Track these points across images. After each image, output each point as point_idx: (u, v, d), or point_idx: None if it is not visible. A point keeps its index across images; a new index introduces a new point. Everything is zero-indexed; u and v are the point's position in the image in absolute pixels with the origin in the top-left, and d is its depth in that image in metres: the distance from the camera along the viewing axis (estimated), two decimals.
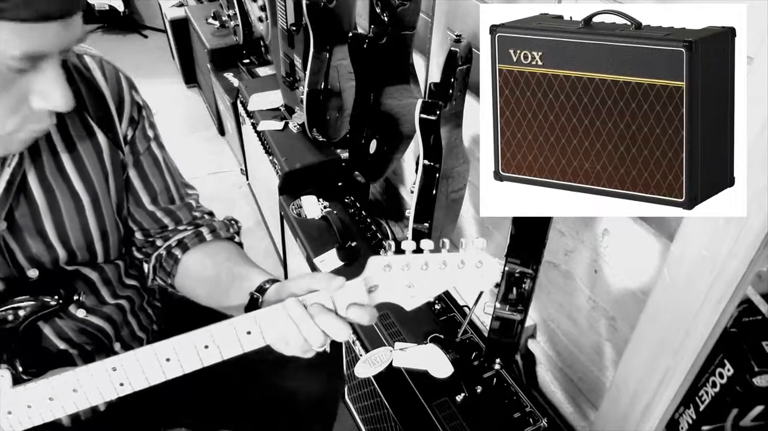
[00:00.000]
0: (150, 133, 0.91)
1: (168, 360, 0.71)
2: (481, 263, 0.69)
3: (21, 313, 0.77)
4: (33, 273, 0.81)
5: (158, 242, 0.96)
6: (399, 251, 0.70)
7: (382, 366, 1.18)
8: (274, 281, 0.84)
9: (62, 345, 0.87)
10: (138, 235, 0.95)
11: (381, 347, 1.29)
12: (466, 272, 0.70)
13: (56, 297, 0.79)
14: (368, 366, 1.19)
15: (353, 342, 1.42)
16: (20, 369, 0.78)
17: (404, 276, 0.70)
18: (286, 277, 2.08)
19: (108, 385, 0.72)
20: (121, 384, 0.72)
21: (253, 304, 0.82)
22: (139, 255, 0.97)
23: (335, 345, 1.62)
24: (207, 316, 0.87)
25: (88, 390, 0.72)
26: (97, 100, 0.82)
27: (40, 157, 0.78)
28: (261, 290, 0.82)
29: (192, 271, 0.94)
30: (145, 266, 0.98)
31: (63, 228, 0.82)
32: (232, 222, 1.01)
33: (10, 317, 0.77)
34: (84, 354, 0.91)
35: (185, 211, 0.97)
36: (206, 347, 0.71)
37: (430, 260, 0.69)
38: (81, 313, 0.88)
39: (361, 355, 1.35)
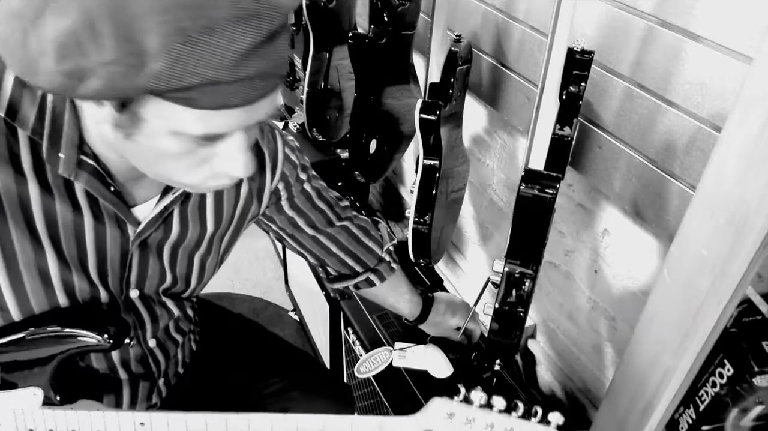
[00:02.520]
0: (303, 176, 0.97)
1: None
2: None
3: (61, 348, 0.76)
4: (134, 294, 0.83)
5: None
6: (467, 399, 0.64)
7: (382, 366, 1.18)
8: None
9: (119, 366, 0.88)
10: (310, 259, 1.10)
11: (381, 347, 1.29)
12: None
13: (106, 337, 0.77)
14: (368, 366, 1.19)
15: (353, 342, 1.42)
16: (53, 391, 0.77)
17: (464, 430, 0.65)
18: (285, 277, 2.08)
19: None
20: None
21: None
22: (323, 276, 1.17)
23: (335, 348, 1.62)
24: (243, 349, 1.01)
25: None
26: (257, 156, 0.86)
27: (189, 195, 0.82)
28: None
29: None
30: (328, 285, 1.17)
31: (176, 254, 0.85)
32: (389, 249, 1.17)
33: (47, 353, 0.75)
34: (132, 379, 0.91)
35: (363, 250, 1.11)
36: None
37: (498, 423, 0.63)
38: (152, 343, 0.91)
39: (361, 355, 1.35)
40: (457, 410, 0.64)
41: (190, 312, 0.98)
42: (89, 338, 0.75)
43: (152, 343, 0.90)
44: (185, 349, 1.02)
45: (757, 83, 0.64)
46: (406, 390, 1.21)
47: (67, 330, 0.75)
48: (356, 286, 1.14)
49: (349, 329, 1.44)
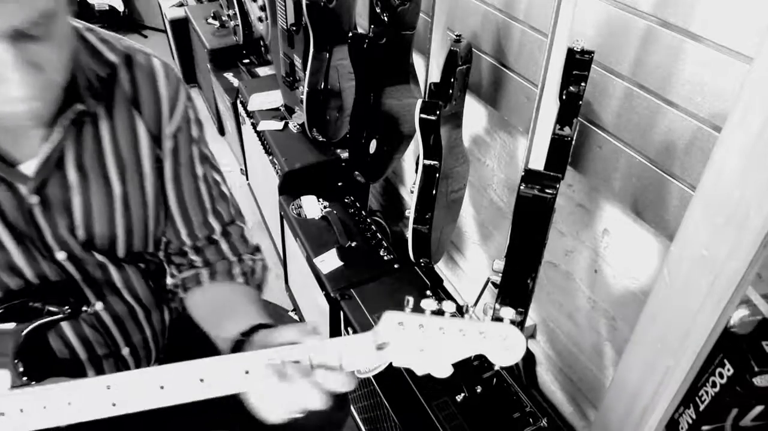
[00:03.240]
0: (195, 151, 0.93)
1: (162, 387, 0.69)
2: (505, 336, 0.63)
3: (24, 322, 0.77)
4: (61, 256, 0.83)
5: (177, 270, 0.98)
6: (417, 308, 0.64)
7: (382, 366, 1.18)
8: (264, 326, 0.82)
9: (76, 343, 0.88)
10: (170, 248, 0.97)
11: None
12: (488, 344, 0.63)
13: (66, 308, 0.79)
14: (369, 365, 1.19)
15: None
16: (21, 370, 0.77)
17: (418, 338, 0.64)
18: (286, 277, 2.08)
19: (101, 403, 0.70)
20: (114, 404, 0.70)
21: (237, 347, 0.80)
22: (167, 266, 1.00)
23: None
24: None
25: (82, 405, 0.71)
26: (153, 98, 0.85)
27: (81, 139, 0.80)
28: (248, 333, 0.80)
29: (191, 310, 0.95)
30: (169, 280, 1.00)
31: (89, 213, 0.83)
32: (251, 265, 1.00)
33: (12, 326, 0.77)
34: (94, 359, 0.91)
35: (211, 248, 0.98)
36: (201, 380, 0.68)
37: (448, 326, 0.63)
38: (99, 306, 0.89)
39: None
40: (406, 319, 0.64)
41: (139, 276, 0.94)
42: (51, 309, 0.77)
43: (99, 306, 0.89)
44: (153, 319, 0.99)
45: (757, 83, 0.64)
46: (406, 390, 1.21)
47: (20, 301, 0.77)
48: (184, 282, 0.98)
49: (349, 329, 1.44)
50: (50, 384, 0.72)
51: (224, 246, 0.99)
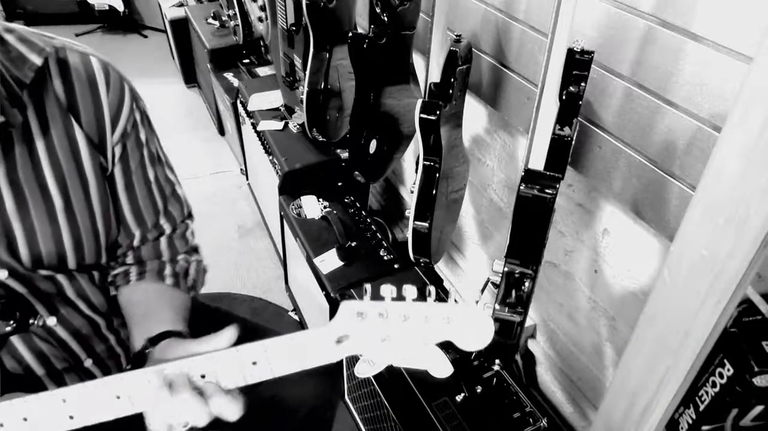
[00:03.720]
0: (146, 153, 0.88)
1: (118, 397, 0.66)
2: (472, 320, 0.59)
3: None
4: (2, 274, 0.77)
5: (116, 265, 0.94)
6: (377, 296, 0.60)
7: (382, 366, 1.18)
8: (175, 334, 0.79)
9: (30, 358, 0.83)
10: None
11: None
12: (454, 329, 0.60)
13: (12, 323, 0.75)
14: (368, 365, 1.18)
15: None
16: None
17: (379, 327, 0.60)
18: (286, 277, 2.08)
19: (59, 417, 0.67)
20: (71, 417, 0.67)
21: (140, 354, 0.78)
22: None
23: None
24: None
25: (38, 421, 0.67)
26: (93, 104, 0.79)
27: (13, 152, 0.73)
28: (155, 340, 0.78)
29: (121, 307, 0.92)
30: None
31: (32, 230, 0.77)
32: (185, 266, 0.96)
33: None
34: (53, 373, 0.87)
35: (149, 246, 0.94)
36: (118, 397, 0.65)
37: (411, 312, 0.59)
38: (51, 321, 0.83)
39: (360, 355, 1.34)
40: (367, 308, 0.59)
41: (92, 284, 0.89)
42: None
43: (51, 321, 0.83)
44: (115, 324, 0.95)
45: (757, 83, 0.64)
46: (406, 390, 1.21)
47: None
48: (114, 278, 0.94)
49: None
50: (3, 401, 0.67)
51: (163, 244, 0.95)
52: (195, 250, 1.00)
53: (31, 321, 0.77)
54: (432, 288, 0.60)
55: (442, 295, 0.59)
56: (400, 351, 0.62)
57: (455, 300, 0.61)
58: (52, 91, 0.76)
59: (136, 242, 0.93)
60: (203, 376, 0.65)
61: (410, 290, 0.59)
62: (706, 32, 0.85)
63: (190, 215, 1.01)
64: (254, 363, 0.64)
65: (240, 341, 1.18)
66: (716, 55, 0.84)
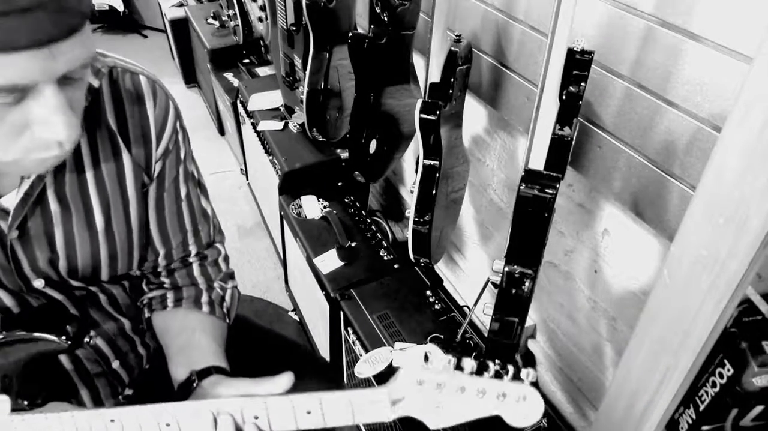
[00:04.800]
0: (181, 170, 0.90)
1: (168, 425, 0.67)
2: (524, 398, 0.61)
3: (23, 354, 0.75)
4: (39, 284, 0.80)
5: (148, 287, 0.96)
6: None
7: (382, 366, 1.18)
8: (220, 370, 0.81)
9: (65, 362, 0.86)
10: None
11: (381, 347, 1.29)
12: (506, 406, 0.62)
13: (64, 338, 0.76)
14: (368, 366, 1.19)
15: (353, 342, 1.42)
16: (19, 394, 0.75)
17: (435, 396, 0.63)
18: (286, 277, 2.08)
19: None
20: None
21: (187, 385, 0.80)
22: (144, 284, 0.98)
23: (335, 348, 1.62)
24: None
25: None
26: (140, 125, 0.81)
27: (63, 172, 0.77)
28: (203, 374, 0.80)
29: (155, 331, 0.94)
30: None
31: (72, 244, 0.81)
32: (221, 294, 0.98)
33: (13, 359, 0.75)
34: (84, 377, 0.89)
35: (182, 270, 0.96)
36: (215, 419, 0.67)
37: (468, 385, 0.62)
38: (100, 340, 0.88)
39: (361, 355, 1.35)
40: (426, 377, 0.62)
41: (122, 290, 0.93)
42: (47, 340, 0.74)
43: (100, 341, 0.88)
44: (138, 327, 0.99)
45: (757, 83, 0.64)
46: None
47: (21, 333, 0.74)
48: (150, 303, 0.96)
49: (349, 329, 1.44)
50: (50, 413, 0.69)
51: (196, 271, 0.97)
52: (231, 276, 1.02)
53: (86, 340, 0.80)
54: (490, 363, 0.62)
55: (498, 368, 0.62)
56: (448, 418, 0.65)
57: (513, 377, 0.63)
58: (104, 114, 0.78)
59: (161, 260, 0.94)
60: (256, 417, 0.67)
61: (468, 364, 0.61)
62: (706, 32, 0.85)
63: (219, 232, 1.02)
64: (308, 413, 0.66)
65: (240, 341, 1.20)
66: (716, 55, 0.84)
